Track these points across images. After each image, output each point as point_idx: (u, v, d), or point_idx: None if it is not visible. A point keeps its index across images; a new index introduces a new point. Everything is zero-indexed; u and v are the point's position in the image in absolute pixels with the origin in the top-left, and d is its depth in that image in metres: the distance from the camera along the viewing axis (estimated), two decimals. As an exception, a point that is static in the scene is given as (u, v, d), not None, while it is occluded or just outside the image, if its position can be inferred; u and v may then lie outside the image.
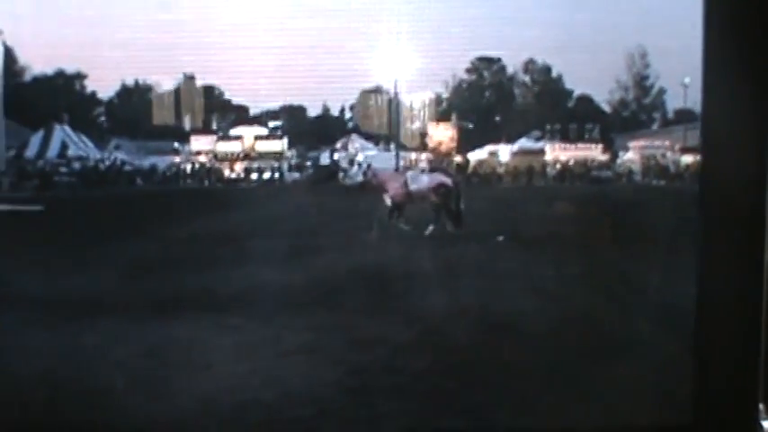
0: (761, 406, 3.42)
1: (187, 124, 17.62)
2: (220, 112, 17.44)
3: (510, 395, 6.34)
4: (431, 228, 13.78)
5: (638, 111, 17.11)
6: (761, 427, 3.41)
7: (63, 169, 17.54)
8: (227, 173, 17.50)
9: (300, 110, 17.26)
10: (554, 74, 17.48)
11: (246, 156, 17.37)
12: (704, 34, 3.35)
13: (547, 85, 17.65)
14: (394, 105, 16.50)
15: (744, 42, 3.28)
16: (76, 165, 17.69)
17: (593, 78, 15.79)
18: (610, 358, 7.11)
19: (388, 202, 14.16)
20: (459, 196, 14.19)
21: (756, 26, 3.28)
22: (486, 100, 17.58)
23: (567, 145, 17.56)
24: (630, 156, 17.37)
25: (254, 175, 17.47)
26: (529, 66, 17.45)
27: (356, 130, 17.62)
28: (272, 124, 17.49)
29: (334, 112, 17.68)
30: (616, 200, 15.59)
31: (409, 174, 14.95)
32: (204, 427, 5.78)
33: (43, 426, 5.28)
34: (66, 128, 17.82)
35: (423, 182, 14.58)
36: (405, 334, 8.35)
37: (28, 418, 5.84)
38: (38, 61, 16.73)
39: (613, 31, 13.10)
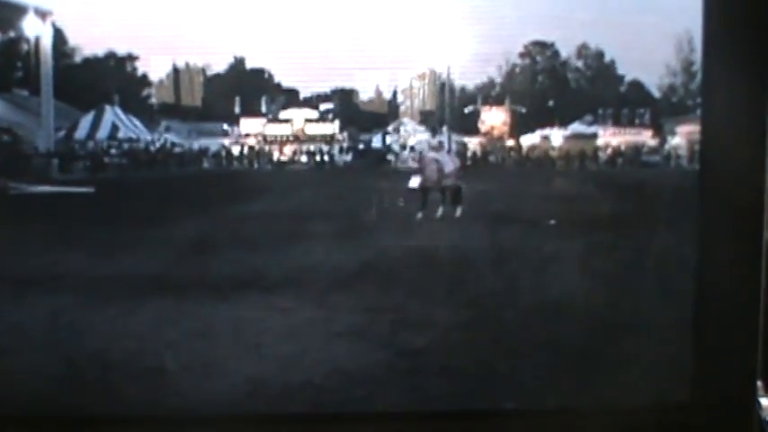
0: (759, 383, 3.49)
1: (237, 107, 17.69)
2: (270, 94, 17.49)
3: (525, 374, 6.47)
4: (441, 210, 13.97)
5: (684, 96, 17.12)
6: (759, 404, 3.48)
7: (113, 151, 17.65)
8: (276, 155, 17.59)
9: (352, 93, 17.29)
10: (607, 59, 17.54)
11: (296, 138, 17.45)
12: (704, 20, 3.42)
13: (599, 70, 17.69)
14: (447, 89, 16.54)
15: (744, 29, 3.35)
16: (126, 146, 17.80)
17: (645, 63, 15.82)
18: (610, 338, 7.22)
19: (416, 184, 14.25)
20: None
21: (757, 12, 3.34)
22: (539, 84, 17.63)
23: (619, 129, 17.64)
24: (678, 141, 17.43)
25: (303, 158, 17.57)
26: (582, 50, 17.49)
27: (408, 113, 17.67)
28: (322, 107, 17.56)
29: (387, 95, 17.69)
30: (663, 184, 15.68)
31: (438, 156, 15.03)
32: (255, 406, 5.86)
33: (94, 404, 5.37)
34: (117, 109, 17.92)
35: (450, 165, 14.67)
36: (455, 316, 8.46)
37: (79, 397, 5.94)
38: (88, 42, 16.78)
39: (664, 15, 13.10)
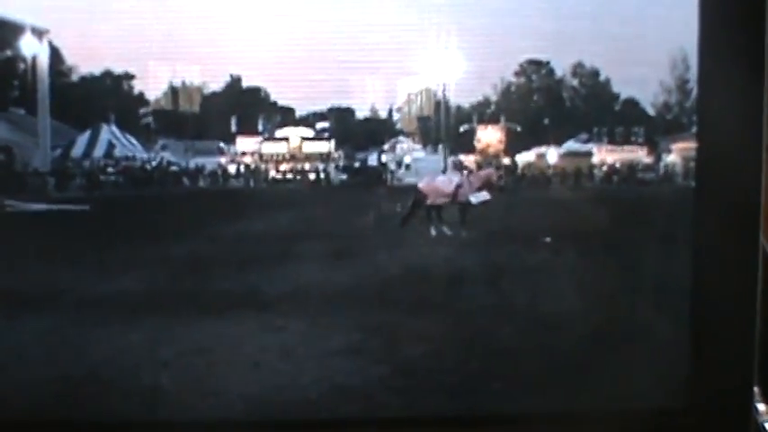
0: (755, 389, 3.52)
1: (233, 125, 17.68)
2: (266, 113, 17.49)
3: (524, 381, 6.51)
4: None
5: (679, 114, 17.12)
6: (756, 409, 3.52)
7: (110, 169, 17.65)
8: (272, 173, 17.58)
9: (348, 111, 17.28)
10: (602, 77, 17.52)
11: (292, 157, 17.45)
12: (699, 25, 3.45)
13: (594, 89, 17.68)
14: (442, 108, 16.55)
15: (739, 34, 3.38)
16: (122, 164, 17.79)
17: (639, 81, 15.81)
18: (606, 344, 7.26)
19: (483, 197, 14.33)
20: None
21: (752, 16, 3.37)
22: (534, 103, 17.63)
23: (614, 147, 17.63)
24: (672, 158, 17.43)
25: (299, 176, 17.56)
26: (577, 69, 17.49)
27: (404, 131, 17.66)
28: (318, 126, 17.54)
29: (382, 113, 17.69)
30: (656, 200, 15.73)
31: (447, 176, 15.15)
32: (250, 424, 5.88)
33: (88, 422, 5.38)
34: (114, 128, 17.92)
35: (451, 185, 14.77)
36: (450, 334, 8.49)
37: (75, 415, 5.95)
38: (85, 61, 16.76)
39: (659, 33, 13.14)
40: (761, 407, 3.61)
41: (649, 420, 3.89)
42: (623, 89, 17.46)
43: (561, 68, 17.80)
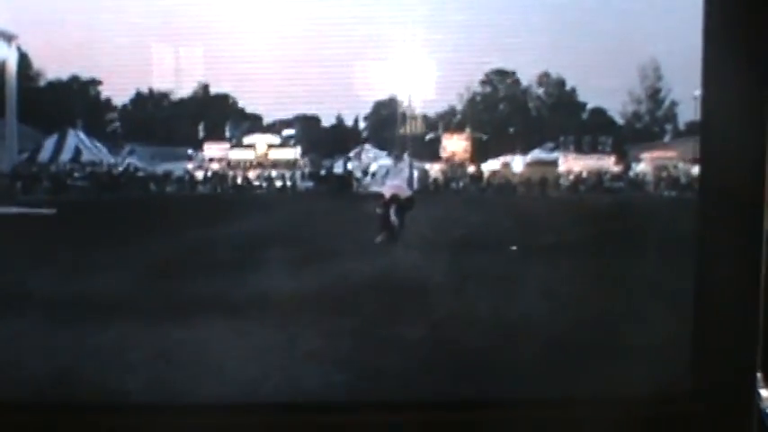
0: (758, 374, 3.62)
1: (200, 132, 17.72)
2: (234, 120, 17.56)
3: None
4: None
5: (650, 123, 17.36)
6: (758, 394, 3.61)
7: (76, 174, 17.61)
8: (239, 180, 17.63)
9: (314, 119, 17.39)
10: (568, 87, 17.71)
11: (259, 164, 17.50)
12: (704, 31, 3.57)
13: (561, 98, 17.86)
14: (408, 116, 16.66)
15: (743, 39, 3.50)
16: (89, 169, 17.76)
17: (607, 91, 16.01)
18: (611, 331, 7.37)
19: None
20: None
21: (756, 19, 3.49)
22: (500, 112, 17.78)
23: (581, 156, 17.75)
24: (643, 167, 17.64)
25: (265, 183, 17.62)
26: (543, 78, 17.67)
27: (370, 140, 17.78)
28: (285, 133, 17.63)
29: (348, 122, 17.82)
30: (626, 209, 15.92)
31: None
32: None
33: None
34: (80, 133, 17.90)
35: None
36: (418, 340, 8.56)
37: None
38: (52, 66, 16.77)
39: (628, 43, 13.36)
40: (764, 392, 3.69)
41: (653, 406, 3.97)
42: (590, 98, 17.72)
43: (527, 78, 18.03)
